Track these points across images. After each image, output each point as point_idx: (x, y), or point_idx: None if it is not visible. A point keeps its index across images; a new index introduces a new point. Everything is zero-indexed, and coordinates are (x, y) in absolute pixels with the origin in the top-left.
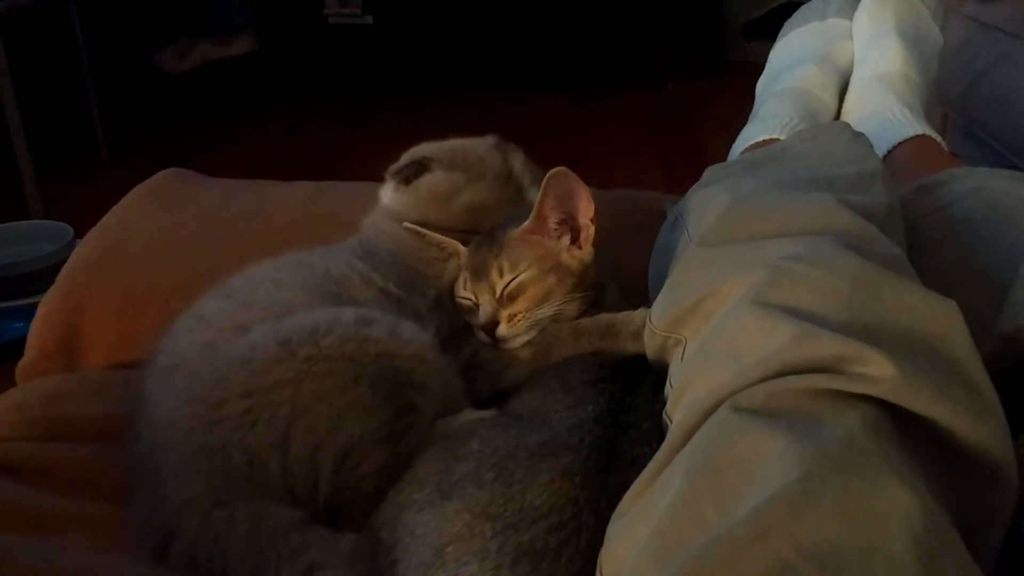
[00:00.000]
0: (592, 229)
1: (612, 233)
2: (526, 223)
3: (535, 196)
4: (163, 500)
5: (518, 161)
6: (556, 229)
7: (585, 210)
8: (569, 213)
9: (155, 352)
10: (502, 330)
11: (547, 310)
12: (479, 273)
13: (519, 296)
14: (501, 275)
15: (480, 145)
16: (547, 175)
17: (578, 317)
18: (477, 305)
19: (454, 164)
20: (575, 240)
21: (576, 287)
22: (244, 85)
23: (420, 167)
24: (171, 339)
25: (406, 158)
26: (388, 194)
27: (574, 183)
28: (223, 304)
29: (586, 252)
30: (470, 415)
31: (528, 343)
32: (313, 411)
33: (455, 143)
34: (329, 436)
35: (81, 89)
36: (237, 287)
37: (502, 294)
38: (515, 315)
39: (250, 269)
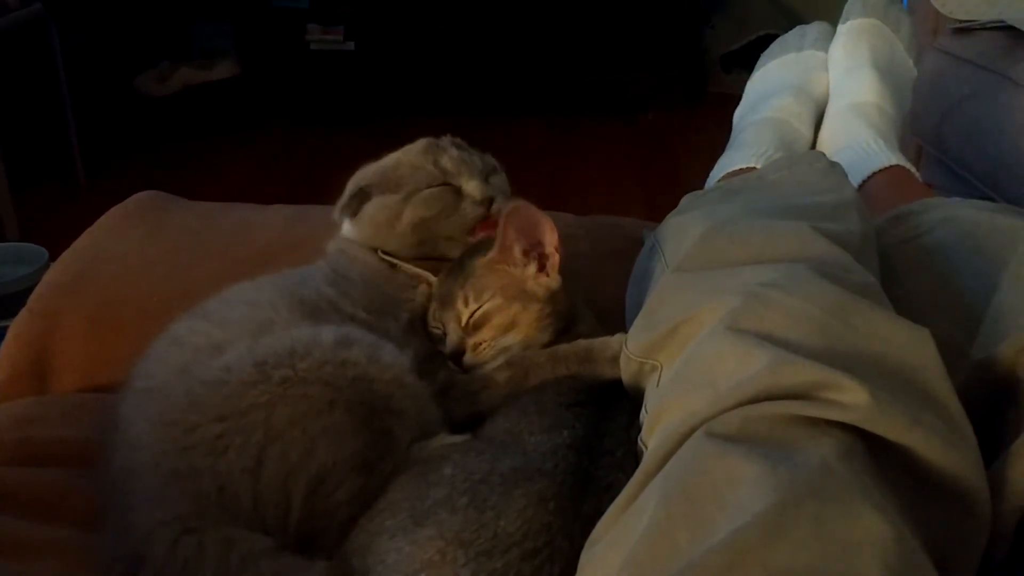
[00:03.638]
0: (557, 257)
1: (590, 259)
2: (491, 252)
3: (474, 187)
4: (132, 525)
5: (450, 159)
6: (522, 257)
7: (549, 239)
8: (534, 242)
9: (131, 375)
10: (467, 358)
11: (513, 338)
12: (446, 302)
13: (485, 324)
14: (466, 304)
15: (410, 154)
16: (505, 210)
17: (551, 343)
18: (446, 333)
19: (387, 185)
20: (542, 268)
21: (544, 315)
22: (225, 110)
23: (362, 196)
24: (146, 362)
25: (350, 188)
26: (345, 228)
27: (534, 214)
28: (198, 325)
29: (552, 279)
30: (445, 440)
31: (506, 367)
32: (287, 436)
33: (389, 160)
34: (302, 462)
35: (60, 112)
36: (212, 309)
37: (468, 322)
38: (480, 343)
39: (225, 292)
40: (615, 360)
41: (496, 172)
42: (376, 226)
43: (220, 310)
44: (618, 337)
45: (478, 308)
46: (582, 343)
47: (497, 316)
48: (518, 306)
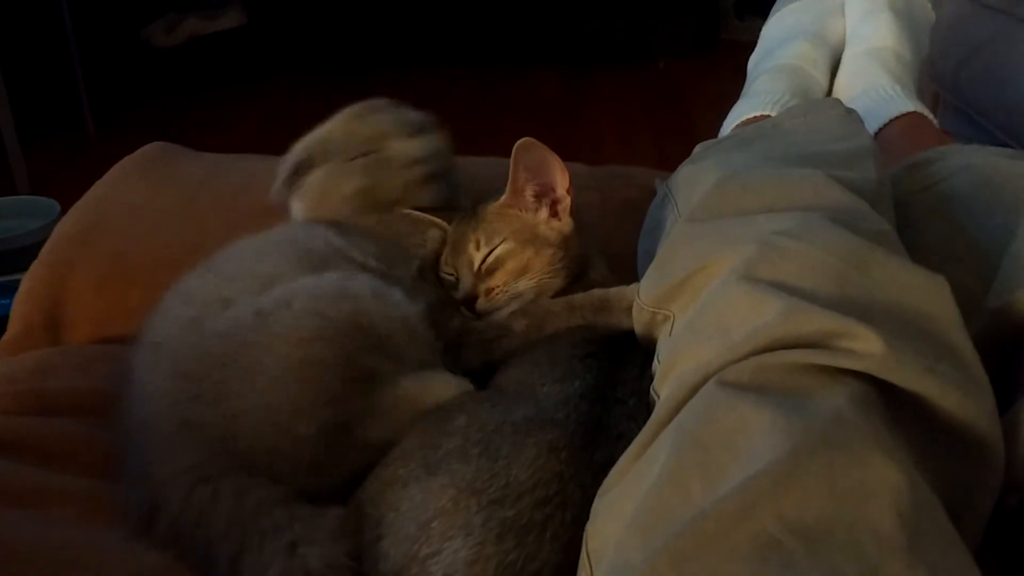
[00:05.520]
0: (569, 200)
1: (602, 209)
2: (503, 196)
3: (406, 146)
4: (148, 475)
5: (378, 121)
6: (533, 201)
7: (561, 180)
8: (545, 184)
9: (142, 330)
10: (480, 304)
11: (526, 283)
12: (458, 247)
13: (497, 269)
14: (478, 248)
15: (341, 120)
16: (514, 147)
17: (564, 290)
18: (458, 279)
19: (326, 154)
20: (554, 213)
21: (557, 259)
22: (233, 60)
23: (300, 169)
24: (157, 317)
25: (288, 163)
26: (295, 209)
27: (543, 153)
28: (206, 279)
29: (565, 223)
30: (447, 379)
31: (522, 315)
32: (287, 378)
33: (324, 128)
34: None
35: (68, 64)
36: (220, 262)
37: (480, 268)
38: (493, 289)
39: (233, 245)
40: (631, 309)
41: (430, 130)
42: (324, 196)
43: (227, 264)
44: (634, 287)
45: (490, 252)
46: (598, 292)
47: (510, 261)
48: (531, 251)
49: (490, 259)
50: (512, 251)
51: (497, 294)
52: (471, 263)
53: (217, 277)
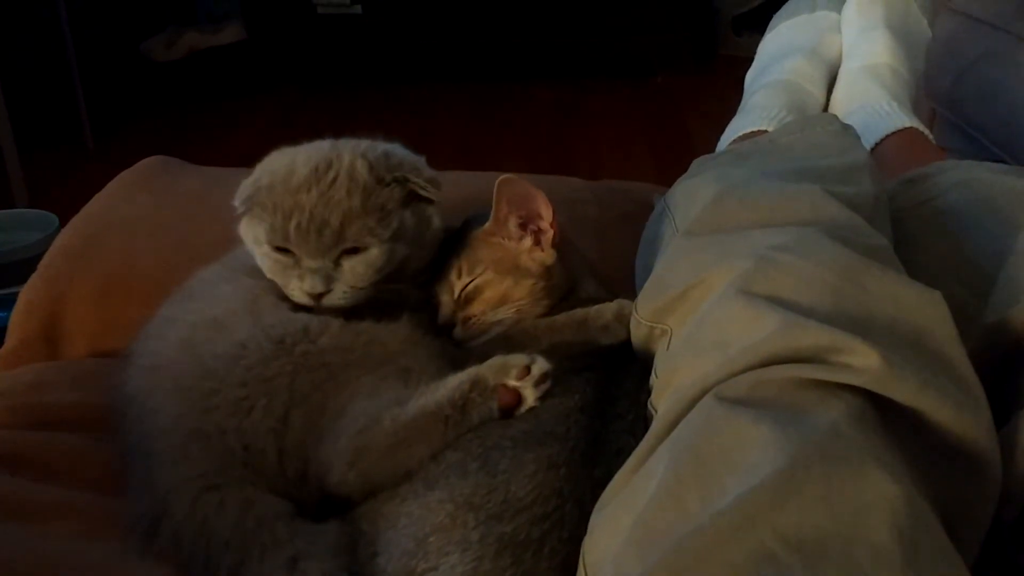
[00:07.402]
0: (552, 233)
1: (600, 223)
2: (486, 224)
3: (308, 270)
4: (154, 483)
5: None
6: (517, 230)
7: (544, 214)
8: (531, 215)
9: (131, 356)
10: (457, 332)
11: (504, 312)
12: (441, 272)
13: (475, 298)
14: (459, 276)
15: (292, 179)
16: (496, 182)
17: (552, 309)
18: (439, 305)
19: (256, 206)
20: (538, 240)
21: (536, 289)
22: (232, 74)
23: (248, 202)
24: (145, 342)
25: (243, 196)
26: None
27: (525, 188)
28: (187, 304)
29: (547, 254)
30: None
31: (503, 342)
32: (310, 400)
33: (279, 167)
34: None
35: (67, 77)
36: (195, 288)
37: (460, 296)
38: (470, 318)
39: (200, 273)
40: (607, 328)
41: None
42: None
43: (203, 288)
44: (611, 305)
45: (470, 281)
46: (578, 312)
47: (487, 290)
48: (510, 281)
49: (469, 288)
50: (490, 281)
51: (474, 323)
52: (451, 290)
53: (197, 301)
